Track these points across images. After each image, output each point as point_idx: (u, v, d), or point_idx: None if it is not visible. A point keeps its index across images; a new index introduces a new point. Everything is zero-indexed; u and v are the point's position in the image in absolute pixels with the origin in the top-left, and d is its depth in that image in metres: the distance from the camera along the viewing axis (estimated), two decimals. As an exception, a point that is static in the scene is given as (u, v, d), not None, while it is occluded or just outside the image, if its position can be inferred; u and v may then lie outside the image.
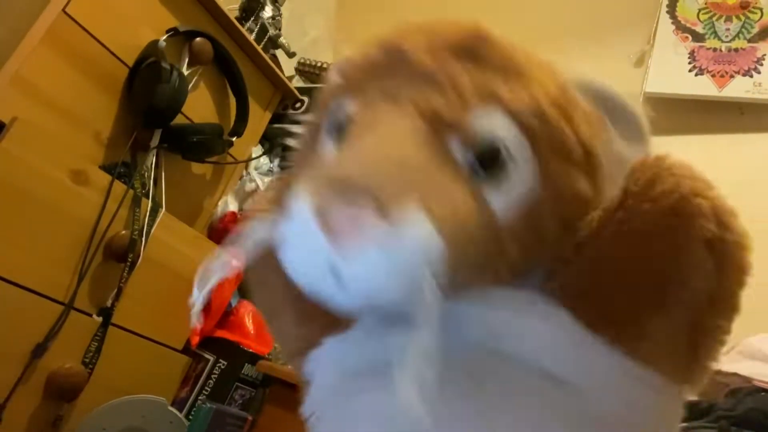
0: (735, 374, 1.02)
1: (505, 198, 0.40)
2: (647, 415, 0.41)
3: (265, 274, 0.51)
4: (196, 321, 0.47)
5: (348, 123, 0.44)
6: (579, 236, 0.42)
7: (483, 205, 0.40)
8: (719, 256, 0.40)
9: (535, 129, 0.41)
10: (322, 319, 0.49)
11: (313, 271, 0.37)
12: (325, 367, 0.50)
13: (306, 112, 1.46)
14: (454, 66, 0.43)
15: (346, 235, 0.34)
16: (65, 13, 0.94)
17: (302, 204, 0.36)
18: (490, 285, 0.42)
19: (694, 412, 0.97)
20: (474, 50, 0.44)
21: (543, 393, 0.40)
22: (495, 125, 0.41)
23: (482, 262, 0.40)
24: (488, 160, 0.40)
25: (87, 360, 0.95)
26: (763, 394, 0.94)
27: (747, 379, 0.99)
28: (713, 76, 1.39)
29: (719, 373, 1.06)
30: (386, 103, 0.43)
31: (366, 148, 0.40)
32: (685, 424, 0.95)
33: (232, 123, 1.28)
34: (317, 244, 0.35)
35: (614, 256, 0.41)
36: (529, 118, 0.41)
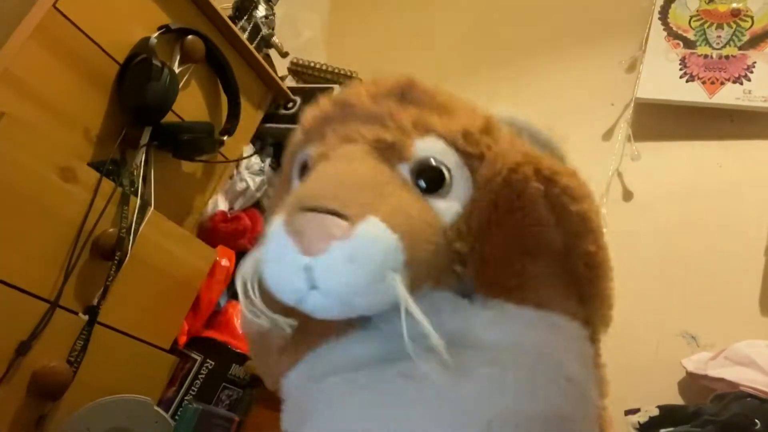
0: (722, 379, 1.03)
1: (449, 205, 0.49)
2: (553, 349, 0.49)
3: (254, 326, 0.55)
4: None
5: (310, 162, 0.53)
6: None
7: (432, 211, 0.48)
8: (556, 206, 0.49)
9: (466, 149, 0.50)
10: (303, 348, 0.55)
11: (289, 279, 0.43)
12: (296, 380, 0.57)
13: (298, 112, 1.46)
14: (393, 107, 0.53)
15: (314, 239, 0.41)
16: (55, 8, 0.93)
17: (276, 224, 0.43)
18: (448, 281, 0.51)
19: (681, 416, 0.98)
20: (408, 94, 0.54)
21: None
22: (434, 149, 0.50)
23: (440, 260, 0.48)
24: (431, 177, 0.49)
25: (72, 359, 0.94)
26: (749, 399, 0.94)
27: (733, 385, 1.00)
28: (704, 83, 1.40)
29: (706, 377, 1.07)
30: (342, 141, 0.51)
31: (325, 173, 0.49)
32: (671, 428, 0.96)
33: (223, 122, 1.28)
34: (291, 252, 0.41)
35: (490, 229, 0.49)
36: (460, 141, 0.50)
